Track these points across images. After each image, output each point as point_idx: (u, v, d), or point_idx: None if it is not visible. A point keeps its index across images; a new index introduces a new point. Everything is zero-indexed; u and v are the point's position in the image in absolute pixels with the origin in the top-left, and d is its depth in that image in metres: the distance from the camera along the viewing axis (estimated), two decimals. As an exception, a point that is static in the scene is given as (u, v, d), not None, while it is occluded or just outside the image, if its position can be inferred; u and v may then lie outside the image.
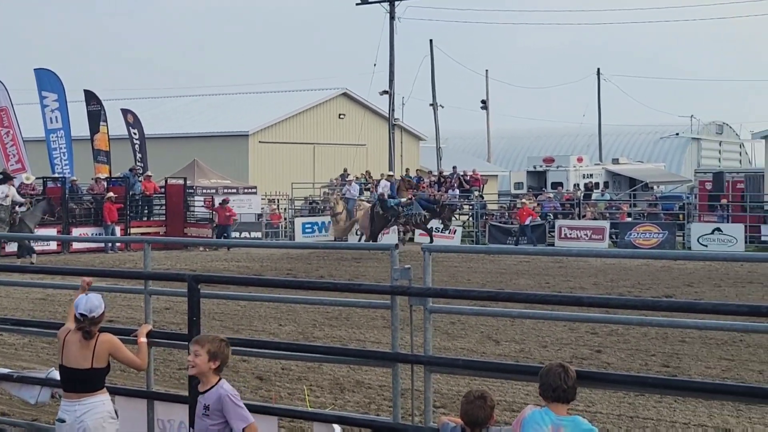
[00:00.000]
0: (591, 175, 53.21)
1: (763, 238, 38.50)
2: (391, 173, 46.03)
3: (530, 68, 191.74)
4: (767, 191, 40.30)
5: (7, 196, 33.17)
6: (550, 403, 6.44)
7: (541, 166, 54.05)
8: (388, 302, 7.90)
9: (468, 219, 45.15)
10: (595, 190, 50.33)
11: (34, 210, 34.11)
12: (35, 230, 33.55)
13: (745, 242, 37.58)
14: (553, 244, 38.14)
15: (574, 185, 50.59)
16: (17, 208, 33.59)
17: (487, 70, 71.60)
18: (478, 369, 8.18)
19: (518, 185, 54.09)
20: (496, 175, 63.60)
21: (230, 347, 7.25)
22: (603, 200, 47.10)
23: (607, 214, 43.34)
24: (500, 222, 43.03)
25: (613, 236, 39.72)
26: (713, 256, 27.10)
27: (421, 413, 7.81)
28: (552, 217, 42.10)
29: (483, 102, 69.79)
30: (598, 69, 69.79)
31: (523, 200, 41.52)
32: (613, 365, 15.01)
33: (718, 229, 38.08)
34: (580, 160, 54.40)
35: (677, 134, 70.98)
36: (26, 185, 37.34)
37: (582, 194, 47.07)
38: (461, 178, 48.93)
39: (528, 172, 54.84)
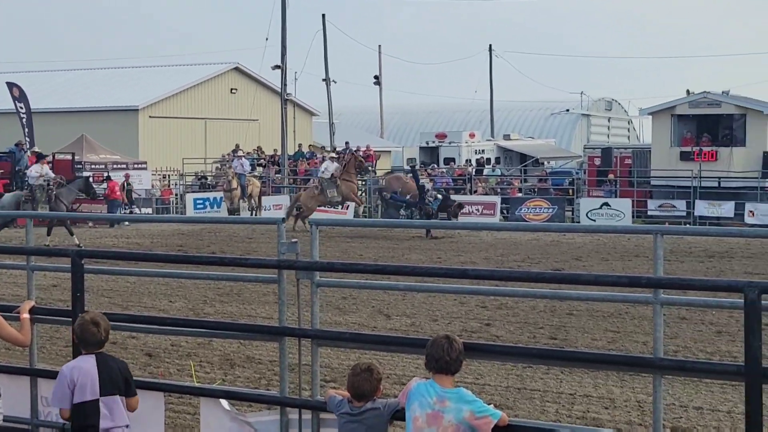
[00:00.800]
0: (483, 151, 53.66)
1: (649, 213, 39.29)
2: (331, 153, 44.25)
3: (423, 44, 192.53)
4: (654, 166, 41.09)
5: (41, 175, 32.49)
6: (435, 374, 6.47)
7: (433, 142, 54.32)
8: (275, 276, 7.85)
9: (361, 194, 45.21)
10: (486, 166, 50.75)
11: (71, 187, 32.65)
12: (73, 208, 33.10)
13: (633, 217, 38.32)
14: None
15: (466, 161, 50.97)
16: (51, 185, 32.25)
17: (380, 46, 71.68)
18: (364, 342, 8.19)
19: (411, 161, 54.35)
20: (389, 151, 63.75)
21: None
22: (494, 176, 47.56)
23: (499, 190, 43.80)
24: (392, 197, 43.13)
25: (504, 211, 40.16)
26: (625, 228, 27.55)
27: (311, 387, 7.78)
28: (444, 193, 42.34)
29: (376, 77, 69.77)
30: (490, 45, 70.31)
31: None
32: (502, 338, 15.19)
33: (607, 204, 38.74)
34: (472, 135, 54.82)
35: (567, 110, 71.94)
36: None
37: (474, 170, 47.45)
38: (354, 153, 48.94)
39: (421, 147, 55.09)
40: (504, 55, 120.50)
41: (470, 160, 51.06)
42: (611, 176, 42.30)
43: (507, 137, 57.87)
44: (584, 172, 45.35)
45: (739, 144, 39.48)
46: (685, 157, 39.80)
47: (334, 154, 43.44)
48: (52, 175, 33.55)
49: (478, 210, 38.40)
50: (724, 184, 38.54)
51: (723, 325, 15.71)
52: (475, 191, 42.41)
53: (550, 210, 39.24)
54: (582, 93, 74.69)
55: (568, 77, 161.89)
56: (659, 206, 39.05)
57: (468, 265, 24.60)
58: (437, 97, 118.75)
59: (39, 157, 35.20)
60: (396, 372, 12.76)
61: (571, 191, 42.73)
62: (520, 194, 42.87)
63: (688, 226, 35.69)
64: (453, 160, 51.05)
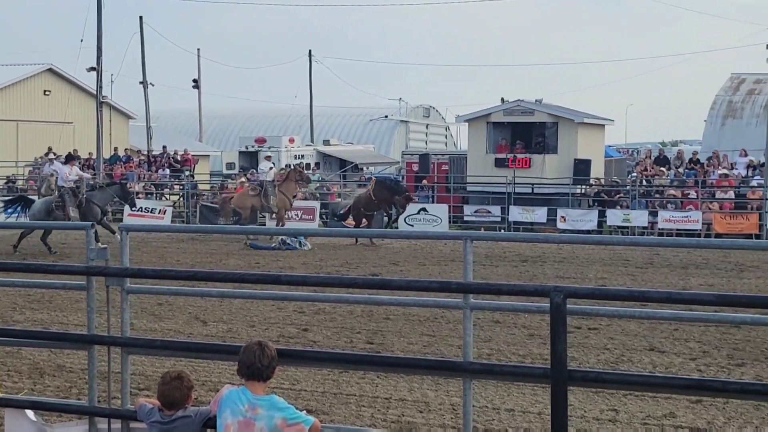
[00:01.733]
0: (302, 156, 53.64)
1: (465, 218, 39.96)
2: (269, 155, 40.51)
3: (243, 48, 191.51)
4: (470, 173, 41.83)
5: (65, 179, 30.22)
6: (247, 381, 6.41)
7: (253, 146, 53.99)
8: (84, 283, 7.64)
9: (179, 199, 44.60)
10: (306, 171, 50.77)
11: (107, 190, 30.69)
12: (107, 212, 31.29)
13: (450, 222, 38.91)
14: (264, 224, 38.21)
15: (286, 165, 50.85)
16: (80, 187, 30.18)
17: (198, 49, 70.84)
18: (176, 349, 8.04)
19: (230, 165, 53.88)
20: (208, 155, 63.06)
21: None
22: (314, 181, 47.60)
23: (318, 195, 43.84)
24: (212, 202, 42.74)
25: (324, 216, 40.23)
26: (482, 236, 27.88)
27: (121, 396, 7.60)
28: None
29: (195, 81, 68.98)
30: (310, 51, 70.44)
31: (242, 179, 41.37)
32: (319, 343, 15.19)
33: (424, 209, 39.21)
34: (291, 140, 54.72)
35: (386, 117, 72.63)
36: None
37: (293, 175, 47.35)
38: (172, 157, 48.26)
39: (240, 152, 54.69)
40: (324, 60, 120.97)
41: (290, 165, 50.96)
42: (428, 182, 42.88)
43: (327, 142, 58.04)
44: (402, 178, 45.84)
45: (551, 151, 40.56)
46: (499, 163, 40.66)
47: (270, 153, 41.27)
48: (87, 175, 31.79)
49: (297, 215, 38.31)
50: (537, 191, 39.54)
51: (535, 328, 16.09)
52: (295, 196, 42.34)
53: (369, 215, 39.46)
54: (400, 99, 75.60)
55: (387, 84, 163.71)
56: (475, 212, 39.75)
57: (286, 270, 24.56)
58: (257, 101, 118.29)
59: (68, 159, 32.51)
60: (212, 379, 12.61)
61: (389, 197, 43.04)
62: (339, 199, 43.01)
63: (502, 231, 36.47)
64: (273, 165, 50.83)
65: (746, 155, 38.31)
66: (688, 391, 7.19)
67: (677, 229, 35.17)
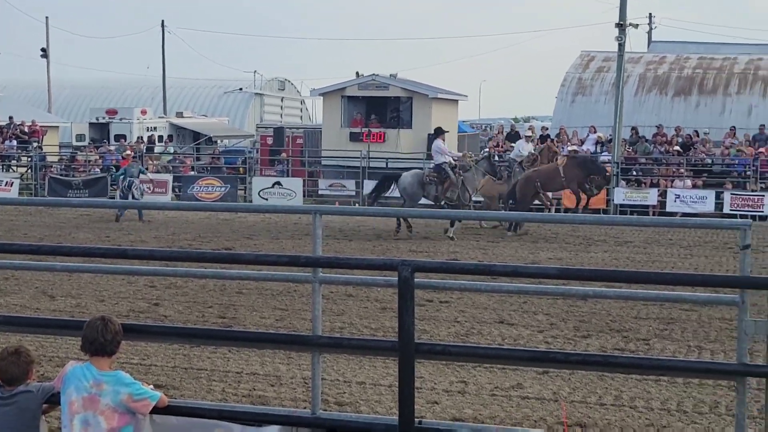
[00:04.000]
0: (155, 128, 52.79)
1: (320, 192, 39.95)
2: (530, 134, 36.12)
3: (94, 17, 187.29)
4: (324, 147, 41.84)
5: (442, 153, 28.05)
6: (92, 357, 6.28)
7: (103, 118, 52.89)
8: None
9: (26, 171, 43.47)
10: (158, 143, 50.05)
11: (475, 171, 28.14)
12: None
13: (304, 196, 38.86)
14: (114, 197, 37.55)
15: (138, 138, 49.98)
16: (457, 169, 27.82)
17: (47, 17, 69.00)
18: (18, 325, 7.84)
19: (80, 137, 52.70)
20: (57, 126, 61.51)
21: None
22: (167, 154, 46.96)
23: (171, 168, 43.28)
24: (61, 174, 41.79)
25: (177, 189, 39.74)
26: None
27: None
28: (115, 170, 41.42)
29: (43, 50, 67.17)
30: (163, 21, 69.33)
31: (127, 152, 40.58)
32: (171, 317, 15.04)
33: (279, 183, 39.08)
34: (144, 112, 53.77)
35: (241, 89, 71.96)
36: None
37: (145, 147, 46.64)
38: (19, 128, 46.95)
39: (90, 123, 53.54)
40: (177, 31, 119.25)
41: (142, 138, 50.10)
42: (283, 155, 42.74)
43: (180, 115, 57.18)
44: (257, 152, 45.56)
45: (405, 126, 40.83)
46: (354, 137, 40.76)
47: (529, 132, 36.64)
48: (458, 154, 29.49)
49: (149, 188, 37.73)
50: (391, 165, 39.74)
51: (388, 301, 16.21)
52: (147, 169, 41.72)
53: (223, 189, 39.16)
54: (255, 72, 74.99)
55: (241, 56, 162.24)
56: (330, 185, 39.76)
57: (137, 244, 24.19)
58: (109, 72, 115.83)
59: (438, 133, 29.14)
60: (59, 355, 12.36)
61: (243, 170, 42.81)
62: (192, 172, 42.54)
63: (356, 206, 36.61)
64: (124, 137, 49.88)
65: (595, 132, 39.16)
66: (532, 362, 7.33)
67: (528, 204, 35.78)
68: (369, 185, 38.40)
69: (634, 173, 36.70)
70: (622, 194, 35.16)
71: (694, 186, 35.33)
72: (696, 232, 27.74)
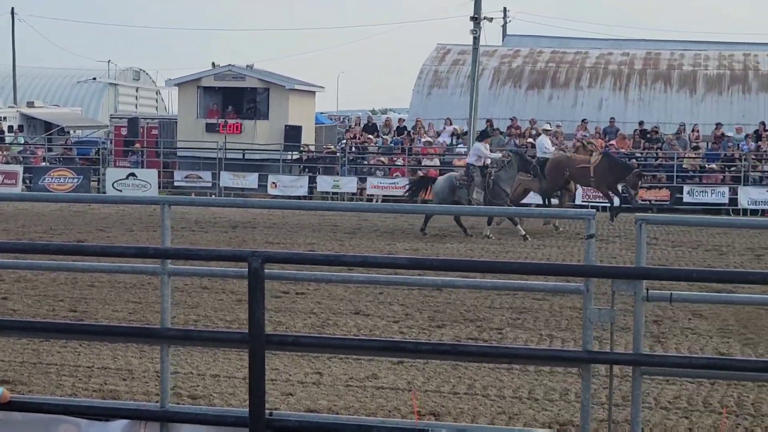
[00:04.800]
0: (5, 118, 51.34)
1: (176, 183, 39.49)
2: (548, 127, 34.49)
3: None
4: (180, 138, 41.32)
5: (479, 156, 26.84)
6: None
7: (-50, 107, 51.32)
8: None
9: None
10: (9, 134, 48.71)
11: (508, 168, 26.72)
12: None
13: (159, 187, 38.36)
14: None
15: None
16: (490, 168, 26.57)
17: None
18: None
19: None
20: None
21: None
22: (17, 144, 45.76)
23: (21, 159, 42.20)
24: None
25: (27, 180, 38.79)
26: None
27: None
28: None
29: None
30: (13, 8, 67.53)
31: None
32: (20, 311, 14.65)
33: (133, 174, 38.50)
34: (-7, 102, 52.38)
35: (94, 79, 70.53)
36: None
37: (-5, 137, 45.42)
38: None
39: (-72, 114, 51.85)
40: (28, 19, 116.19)
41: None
42: (138, 146, 42.09)
43: (31, 104, 55.75)
44: (111, 142, 44.76)
45: (262, 117, 40.61)
46: (210, 128, 40.35)
47: (547, 126, 34.84)
48: (497, 155, 27.71)
49: (-1, 179, 36.77)
50: (248, 156, 39.53)
51: (243, 293, 16.06)
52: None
53: (76, 180, 38.38)
54: (109, 62, 73.60)
55: (95, 45, 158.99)
56: (185, 177, 39.34)
57: (-15, 237, 23.52)
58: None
59: (483, 136, 28.60)
60: None
61: (97, 161, 42.01)
62: (44, 163, 41.57)
63: (213, 197, 36.28)
64: (-30, 127, 48.48)
65: (451, 124, 39.65)
66: (383, 352, 7.36)
67: (384, 195, 36.06)
68: (225, 176, 38.16)
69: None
70: (476, 186, 35.61)
71: (547, 177, 36.00)
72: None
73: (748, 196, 34.13)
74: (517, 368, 11.69)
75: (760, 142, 36.54)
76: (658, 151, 36.86)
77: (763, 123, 37.49)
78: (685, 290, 6.64)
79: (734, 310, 15.33)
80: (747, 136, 36.88)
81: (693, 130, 37.85)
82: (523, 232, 25.51)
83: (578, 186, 30.83)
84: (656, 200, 34.85)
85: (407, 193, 29.70)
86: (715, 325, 14.68)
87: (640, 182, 30.33)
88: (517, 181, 26.92)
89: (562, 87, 42.37)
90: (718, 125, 37.61)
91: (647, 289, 6.02)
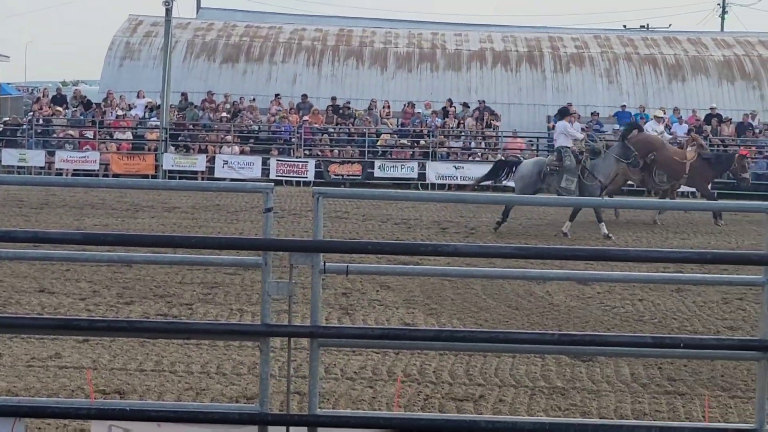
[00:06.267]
0: None
1: None
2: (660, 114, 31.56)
3: None
4: None
5: (566, 136, 23.72)
6: None
7: None
8: None
9: None
10: None
11: (606, 157, 23.58)
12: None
13: None
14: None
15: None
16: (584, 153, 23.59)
17: None
18: None
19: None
20: None
21: None
22: None
23: None
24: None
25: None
26: None
27: None
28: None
29: None
30: None
31: None
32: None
33: None
34: None
35: None
36: None
37: None
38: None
39: None
40: None
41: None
42: None
43: None
44: None
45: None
46: None
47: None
48: (579, 135, 24.45)
49: None
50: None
51: None
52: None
53: None
54: None
55: None
56: None
57: None
58: None
59: (563, 113, 24.92)
60: None
61: None
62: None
63: None
64: None
65: (144, 97, 38.90)
66: (58, 330, 7.14)
67: (75, 170, 35.01)
68: None
69: (183, 139, 36.87)
70: (171, 160, 35.22)
71: (242, 152, 36.07)
72: (244, 197, 28.32)
73: (435, 171, 35.42)
74: (206, 344, 11.64)
75: (446, 119, 37.93)
76: (351, 126, 37.58)
77: (449, 100, 38.92)
78: (373, 263, 6.84)
79: (420, 281, 15.87)
80: (434, 112, 38.18)
81: (384, 106, 38.80)
82: (606, 231, 22.79)
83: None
84: (348, 175, 35.57)
85: (485, 176, 25.72)
86: (402, 296, 15.16)
87: (746, 164, 28.52)
88: (614, 170, 24.24)
89: (257, 61, 42.36)
90: (409, 103, 38.81)
91: (324, 262, 6.11)
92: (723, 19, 70.17)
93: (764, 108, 40.25)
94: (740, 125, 37.64)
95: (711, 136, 36.56)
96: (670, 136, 32.83)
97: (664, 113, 36.32)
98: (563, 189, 23.10)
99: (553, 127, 29.11)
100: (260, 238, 6.19)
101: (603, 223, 22.85)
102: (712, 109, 38.36)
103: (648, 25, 61.77)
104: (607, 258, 6.41)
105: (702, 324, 13.88)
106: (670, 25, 62.58)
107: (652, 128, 30.64)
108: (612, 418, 9.44)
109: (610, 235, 22.60)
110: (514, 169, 24.47)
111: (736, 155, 28.09)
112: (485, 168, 26.48)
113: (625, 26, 59.64)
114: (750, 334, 12.88)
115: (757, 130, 37.94)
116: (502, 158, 29.26)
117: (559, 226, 23.58)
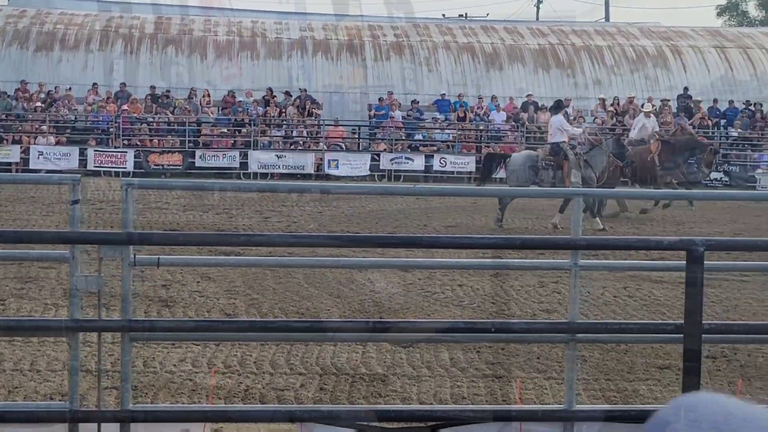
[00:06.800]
0: None
1: None
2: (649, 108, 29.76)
3: None
4: None
5: (562, 131, 23.37)
6: None
7: None
8: None
9: None
10: None
11: (599, 151, 23.67)
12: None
13: None
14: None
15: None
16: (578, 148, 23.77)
17: None
18: None
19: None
20: None
21: None
22: None
23: None
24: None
25: None
26: None
27: None
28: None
29: None
30: None
31: None
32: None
33: None
34: None
35: None
36: None
37: None
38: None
39: None
40: None
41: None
42: None
43: None
44: None
45: None
46: None
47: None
48: (577, 131, 24.89)
49: None
50: None
51: None
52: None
53: None
54: None
55: None
56: None
57: None
58: None
59: (558, 107, 24.61)
60: None
61: None
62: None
63: None
64: None
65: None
66: None
67: None
68: None
69: (-4, 130, 35.81)
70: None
71: (58, 143, 35.17)
72: (61, 189, 27.60)
73: (257, 160, 35.26)
74: (19, 340, 11.28)
75: (268, 108, 37.80)
76: (170, 115, 37.06)
77: (270, 89, 38.79)
78: (195, 254, 6.76)
79: (242, 272, 15.76)
80: (255, 101, 38.00)
81: (204, 95, 38.42)
82: (601, 226, 22.43)
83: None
84: (169, 165, 35.09)
85: (479, 175, 25.34)
86: (223, 287, 15.01)
87: (714, 159, 29.10)
88: (608, 164, 23.77)
89: (72, 49, 41.33)
90: (230, 92, 38.55)
91: (135, 254, 5.99)
92: (538, 8, 72.12)
93: (578, 95, 41.51)
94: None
95: (528, 123, 37.53)
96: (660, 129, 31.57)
97: (653, 106, 34.95)
98: (573, 185, 22.48)
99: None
100: (66, 231, 6.03)
101: (597, 219, 22.70)
102: (528, 96, 39.37)
103: (466, 14, 62.92)
104: (418, 245, 6.49)
105: (519, 308, 14.19)
106: (487, 15, 63.97)
107: (642, 123, 29.18)
108: (431, 403, 9.55)
109: (605, 227, 22.44)
110: (503, 162, 24.30)
111: (710, 148, 28.21)
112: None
113: (444, 15, 60.63)
114: (564, 316, 13.25)
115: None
116: (490, 151, 30.28)
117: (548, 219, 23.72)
